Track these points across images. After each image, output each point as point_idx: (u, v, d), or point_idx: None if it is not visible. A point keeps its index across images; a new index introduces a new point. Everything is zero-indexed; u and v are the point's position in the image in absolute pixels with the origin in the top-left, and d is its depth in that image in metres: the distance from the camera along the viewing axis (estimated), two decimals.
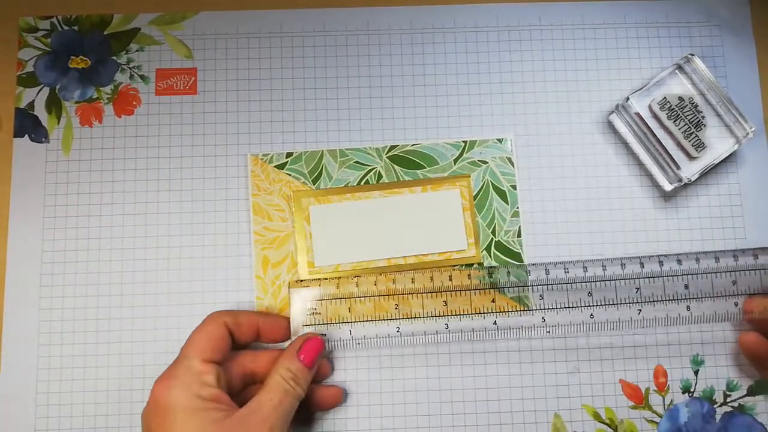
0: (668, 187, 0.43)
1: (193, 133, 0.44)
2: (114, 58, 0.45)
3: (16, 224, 0.43)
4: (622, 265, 0.41)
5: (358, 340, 0.40)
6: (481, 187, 0.44)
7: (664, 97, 0.43)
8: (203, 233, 0.43)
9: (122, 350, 0.42)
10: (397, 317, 0.40)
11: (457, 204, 0.44)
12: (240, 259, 0.43)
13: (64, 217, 0.43)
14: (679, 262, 0.41)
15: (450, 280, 0.41)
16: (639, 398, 0.42)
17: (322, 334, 0.40)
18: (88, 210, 0.43)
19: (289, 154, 0.44)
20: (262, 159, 0.44)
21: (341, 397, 0.41)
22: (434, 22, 0.46)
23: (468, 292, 0.40)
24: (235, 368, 0.38)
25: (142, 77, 0.45)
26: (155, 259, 0.43)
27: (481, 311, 0.40)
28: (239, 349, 0.39)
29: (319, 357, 0.39)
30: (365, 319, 0.40)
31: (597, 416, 0.42)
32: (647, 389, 0.42)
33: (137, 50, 0.45)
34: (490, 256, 0.43)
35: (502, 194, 0.44)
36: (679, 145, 0.43)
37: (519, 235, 0.43)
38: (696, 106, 0.43)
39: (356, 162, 0.44)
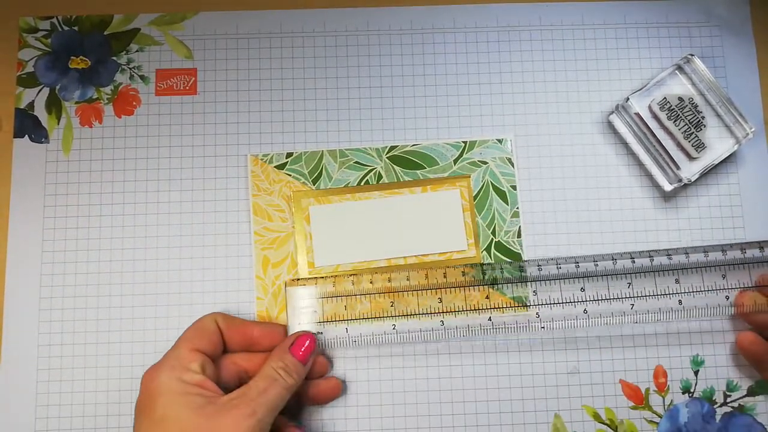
0: (668, 187, 0.43)
1: (193, 133, 0.44)
2: (114, 58, 0.45)
3: (16, 224, 0.43)
4: (613, 260, 0.41)
5: (354, 338, 0.40)
6: (481, 188, 0.44)
7: (664, 98, 0.43)
8: (203, 233, 0.43)
9: (122, 350, 0.42)
10: (393, 315, 0.40)
11: (457, 204, 0.44)
12: (240, 260, 0.43)
13: (64, 217, 0.43)
14: (669, 257, 0.41)
15: (444, 277, 0.41)
16: (639, 398, 0.42)
17: (318, 333, 0.40)
18: (88, 210, 0.43)
19: (289, 155, 0.44)
20: (262, 159, 0.44)
21: (339, 389, 0.41)
22: (434, 22, 0.46)
23: (462, 289, 0.41)
24: (229, 366, 0.39)
25: (142, 77, 0.45)
26: (155, 259, 0.43)
27: (476, 308, 0.40)
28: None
29: (312, 353, 0.39)
30: (361, 317, 0.40)
31: (597, 416, 0.42)
32: (647, 389, 0.42)
33: (137, 50, 0.45)
34: (490, 256, 0.43)
35: (502, 194, 0.44)
36: (679, 145, 0.43)
37: (519, 236, 0.44)
38: (696, 106, 0.43)
39: (356, 162, 0.44)
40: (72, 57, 0.45)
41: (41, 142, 0.44)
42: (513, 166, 0.44)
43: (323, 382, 0.41)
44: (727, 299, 0.41)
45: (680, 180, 0.42)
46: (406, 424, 0.42)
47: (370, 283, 0.41)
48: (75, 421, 0.41)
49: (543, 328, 0.40)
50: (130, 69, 0.45)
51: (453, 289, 0.41)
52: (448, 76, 0.45)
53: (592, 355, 0.43)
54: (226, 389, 0.37)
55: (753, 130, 0.43)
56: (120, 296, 0.43)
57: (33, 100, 0.44)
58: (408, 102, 0.45)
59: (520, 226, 0.44)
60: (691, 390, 0.42)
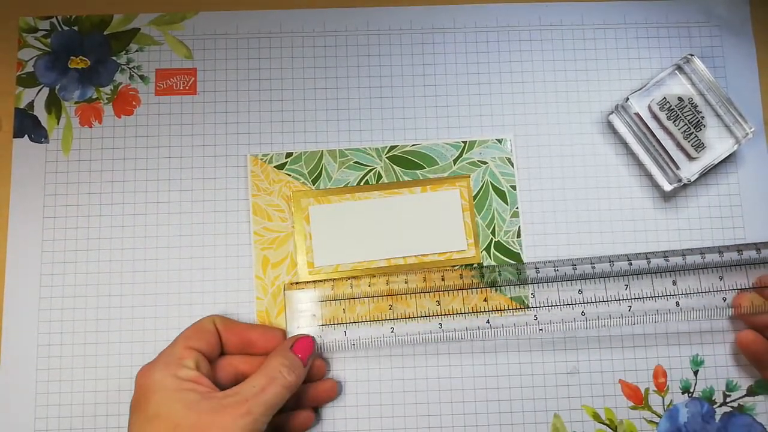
0: (668, 187, 0.43)
1: (193, 133, 0.44)
2: (114, 58, 0.45)
3: (16, 224, 0.43)
4: (610, 262, 0.41)
5: (353, 340, 0.40)
6: (481, 188, 0.44)
7: (664, 98, 0.43)
8: (203, 233, 0.43)
9: (122, 350, 0.42)
10: (392, 318, 0.40)
11: (456, 204, 0.44)
12: (240, 260, 0.43)
13: (64, 217, 0.43)
14: (666, 259, 0.41)
15: (442, 280, 0.41)
16: (638, 398, 0.42)
17: (318, 336, 0.40)
18: (88, 210, 0.43)
19: (288, 155, 0.44)
20: (261, 159, 0.44)
21: (336, 390, 0.41)
22: (434, 22, 0.46)
23: (460, 291, 0.41)
24: (226, 368, 0.39)
25: (141, 77, 0.45)
26: (155, 259, 0.43)
27: (474, 310, 0.40)
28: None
29: (311, 355, 0.39)
30: (360, 320, 0.40)
31: (597, 416, 0.42)
32: (647, 389, 0.42)
33: (137, 50, 0.45)
34: (489, 256, 0.43)
35: (501, 194, 0.44)
36: (678, 145, 0.43)
37: (518, 236, 0.44)
38: (696, 106, 0.43)
39: (356, 162, 0.44)
40: (72, 57, 0.45)
41: (41, 142, 0.44)
42: (513, 166, 0.44)
43: (320, 383, 0.41)
44: (725, 300, 0.41)
45: (680, 180, 0.42)
46: (406, 425, 0.42)
47: (369, 286, 0.41)
48: (75, 421, 0.41)
49: (541, 330, 0.40)
50: (129, 69, 0.45)
51: (451, 292, 0.41)
52: (448, 76, 0.45)
53: (592, 355, 0.43)
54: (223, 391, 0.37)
55: (753, 130, 0.43)
56: (120, 296, 0.43)
57: (33, 100, 0.44)
58: (408, 102, 0.45)
59: (519, 226, 0.44)
60: (691, 390, 0.42)
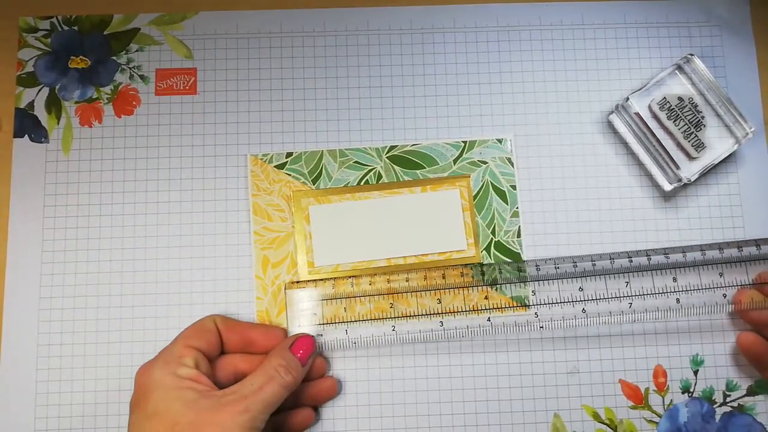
0: (668, 187, 0.43)
1: (193, 133, 0.44)
2: (114, 58, 0.45)
3: (16, 224, 0.43)
4: (610, 260, 0.41)
5: (354, 339, 0.40)
6: (481, 187, 0.44)
7: (664, 97, 0.43)
8: (203, 233, 0.43)
9: (122, 350, 0.42)
10: (393, 316, 0.40)
11: (456, 204, 0.44)
12: (240, 259, 0.43)
13: (64, 217, 0.43)
14: (666, 256, 0.41)
15: (443, 278, 0.41)
16: (638, 398, 0.42)
17: (318, 335, 0.40)
18: (88, 210, 0.43)
19: (288, 154, 0.44)
20: (262, 159, 0.44)
21: (336, 389, 0.41)
22: (434, 22, 0.46)
23: (461, 289, 0.41)
24: (226, 367, 0.39)
25: (142, 77, 0.45)
26: (155, 259, 0.43)
27: (475, 308, 0.40)
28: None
29: (311, 355, 0.39)
30: (361, 319, 0.40)
31: (597, 416, 0.42)
32: (647, 389, 0.42)
33: (137, 50, 0.45)
34: (489, 256, 0.43)
35: (501, 194, 0.44)
36: (678, 145, 0.43)
37: (519, 235, 0.44)
38: (696, 106, 0.43)
39: (356, 162, 0.44)
40: (72, 57, 0.45)
41: (41, 142, 0.44)
42: (513, 166, 0.44)
43: (320, 381, 0.41)
44: (725, 297, 0.41)
45: (680, 180, 0.42)
46: (406, 424, 0.42)
47: (370, 284, 0.41)
48: (75, 421, 0.41)
49: (542, 327, 0.40)
50: (129, 69, 0.45)
51: (452, 290, 0.41)
52: (448, 76, 0.45)
53: (592, 355, 0.43)
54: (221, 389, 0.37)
55: (753, 129, 0.43)
56: (120, 296, 0.43)
57: (33, 100, 0.44)
58: (408, 102, 0.45)
59: (519, 226, 0.44)
60: (691, 390, 0.42)
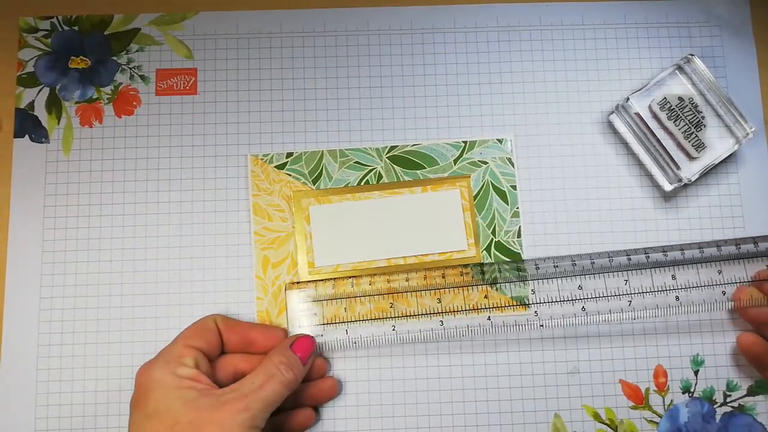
0: (668, 187, 0.43)
1: (193, 133, 0.44)
2: (114, 58, 0.45)
3: (16, 224, 0.43)
4: (609, 258, 0.41)
5: (354, 339, 0.40)
6: (481, 188, 0.44)
7: (664, 98, 0.43)
8: (203, 233, 0.43)
9: (122, 350, 0.42)
10: (393, 316, 0.40)
11: (457, 204, 0.44)
12: (240, 260, 0.43)
13: (64, 217, 0.43)
14: (665, 253, 0.41)
15: (443, 277, 0.41)
16: (639, 398, 0.42)
17: (319, 335, 0.40)
18: (88, 210, 0.43)
19: (289, 155, 0.44)
20: (262, 159, 0.44)
21: (336, 389, 0.41)
22: (434, 22, 0.46)
23: (461, 289, 0.41)
24: (227, 366, 0.39)
25: (142, 77, 0.45)
26: (155, 259, 0.43)
27: (475, 308, 0.40)
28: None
29: (311, 355, 0.39)
30: (361, 319, 0.40)
31: (597, 416, 0.42)
32: (647, 389, 0.42)
33: (137, 50, 0.45)
34: (490, 256, 0.43)
35: (502, 194, 0.44)
36: (679, 145, 0.43)
37: (519, 236, 0.44)
38: (696, 106, 0.43)
39: (356, 162, 0.44)
40: (72, 57, 0.45)
41: (41, 142, 0.44)
42: (513, 166, 0.44)
43: (320, 382, 0.41)
44: (724, 294, 0.41)
45: (680, 180, 0.42)
46: (406, 424, 0.42)
47: (370, 284, 0.41)
48: (75, 421, 0.41)
49: (542, 326, 0.40)
50: (130, 69, 0.45)
51: (452, 290, 0.41)
52: (448, 76, 0.45)
53: (592, 355, 0.43)
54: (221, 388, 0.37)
55: (753, 129, 0.43)
56: (120, 296, 0.43)
57: (33, 100, 0.44)
58: (408, 102, 0.45)
59: (520, 226, 0.44)
60: (691, 390, 0.42)
